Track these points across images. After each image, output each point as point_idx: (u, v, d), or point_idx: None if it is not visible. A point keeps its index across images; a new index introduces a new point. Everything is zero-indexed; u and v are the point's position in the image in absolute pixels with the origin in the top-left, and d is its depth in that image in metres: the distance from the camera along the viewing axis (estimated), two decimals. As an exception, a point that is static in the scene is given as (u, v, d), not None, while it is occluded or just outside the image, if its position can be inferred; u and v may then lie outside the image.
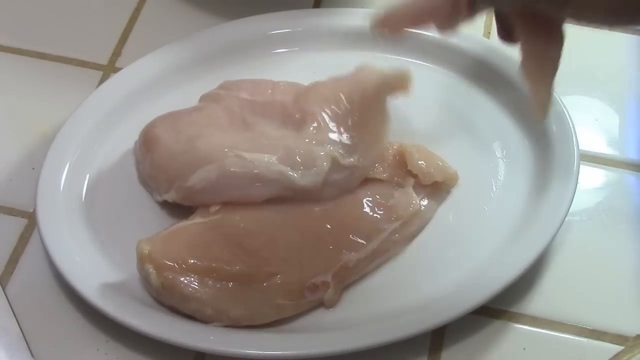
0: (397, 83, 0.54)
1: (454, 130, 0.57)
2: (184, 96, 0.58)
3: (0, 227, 0.54)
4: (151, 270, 0.47)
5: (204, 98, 0.57)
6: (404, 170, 0.54)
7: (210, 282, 0.48)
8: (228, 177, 0.51)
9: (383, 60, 0.59)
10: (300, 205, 0.52)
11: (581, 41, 0.63)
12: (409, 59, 0.60)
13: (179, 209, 0.53)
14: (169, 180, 0.52)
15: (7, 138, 0.58)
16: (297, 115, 0.53)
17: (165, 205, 0.53)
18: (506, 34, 0.45)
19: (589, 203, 0.55)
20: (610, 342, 0.49)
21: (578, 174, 0.52)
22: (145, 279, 0.48)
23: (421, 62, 0.60)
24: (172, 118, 0.55)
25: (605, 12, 0.38)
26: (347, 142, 0.52)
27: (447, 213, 0.53)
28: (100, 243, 0.51)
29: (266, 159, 0.51)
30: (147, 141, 0.53)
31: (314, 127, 0.52)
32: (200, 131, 0.53)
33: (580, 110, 0.59)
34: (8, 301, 0.50)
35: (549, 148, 0.54)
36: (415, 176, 0.53)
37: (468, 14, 0.42)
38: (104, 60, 0.62)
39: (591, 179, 0.56)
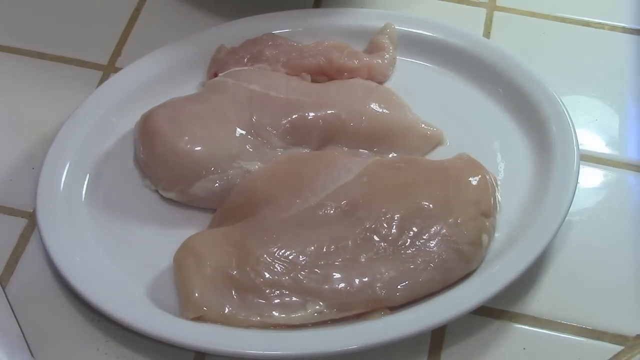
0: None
1: (453, 130, 0.57)
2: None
3: (0, 227, 0.53)
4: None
5: (209, 86, 0.57)
6: None
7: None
8: (232, 188, 0.52)
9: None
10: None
11: (581, 41, 0.64)
12: (409, 59, 0.60)
13: (178, 209, 0.53)
14: (171, 180, 0.52)
15: (7, 138, 0.58)
16: None
17: (165, 204, 0.53)
18: None
19: (589, 203, 0.55)
20: (610, 342, 0.49)
21: (578, 174, 0.52)
22: None
23: (421, 62, 0.60)
24: (173, 108, 0.54)
25: None
26: None
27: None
28: (100, 243, 0.51)
29: None
30: (146, 131, 0.53)
31: None
32: (204, 129, 0.53)
33: (580, 110, 0.59)
34: (8, 301, 0.50)
35: (549, 148, 0.54)
36: None
37: None
38: (104, 60, 0.62)
39: (591, 179, 0.56)
